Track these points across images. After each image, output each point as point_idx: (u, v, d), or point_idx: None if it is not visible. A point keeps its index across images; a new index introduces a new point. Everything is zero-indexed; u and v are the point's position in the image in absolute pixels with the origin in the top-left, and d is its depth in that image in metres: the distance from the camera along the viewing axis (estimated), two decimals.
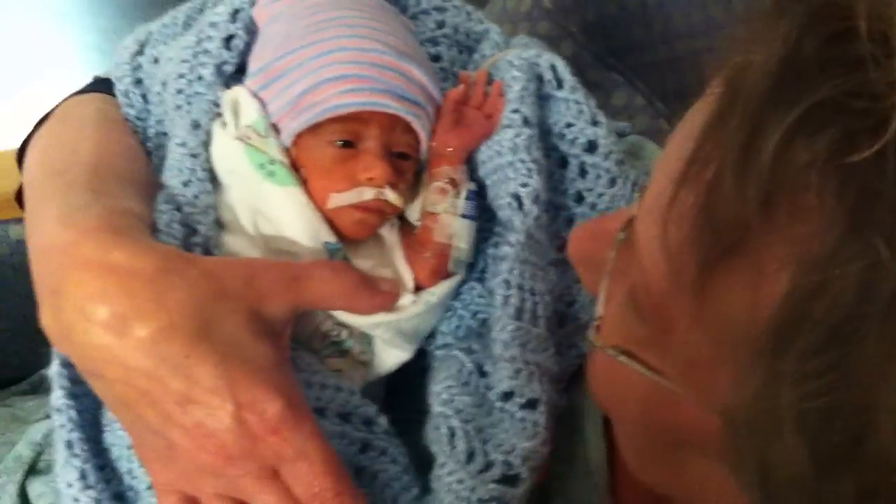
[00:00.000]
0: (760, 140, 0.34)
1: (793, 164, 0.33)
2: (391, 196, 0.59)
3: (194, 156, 0.60)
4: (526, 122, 0.63)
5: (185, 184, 0.60)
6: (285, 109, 0.60)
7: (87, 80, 0.75)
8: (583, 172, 0.65)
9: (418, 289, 0.62)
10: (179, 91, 0.64)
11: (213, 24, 0.65)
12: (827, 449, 0.35)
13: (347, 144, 0.59)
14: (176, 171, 0.60)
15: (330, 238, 0.59)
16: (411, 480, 0.58)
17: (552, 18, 1.05)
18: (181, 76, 0.64)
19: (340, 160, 0.59)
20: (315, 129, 0.59)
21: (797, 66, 0.33)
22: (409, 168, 0.62)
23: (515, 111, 0.63)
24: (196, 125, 0.62)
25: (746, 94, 0.35)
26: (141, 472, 0.57)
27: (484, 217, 0.64)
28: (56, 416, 0.59)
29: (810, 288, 0.33)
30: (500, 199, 0.62)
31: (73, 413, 0.59)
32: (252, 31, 0.65)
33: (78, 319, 0.50)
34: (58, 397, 0.59)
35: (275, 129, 0.61)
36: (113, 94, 0.71)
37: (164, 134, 0.67)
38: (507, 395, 0.58)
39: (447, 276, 0.62)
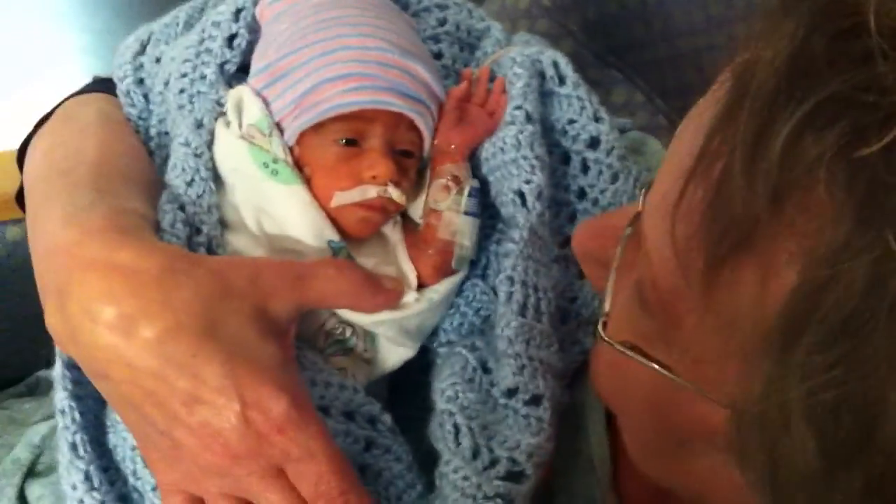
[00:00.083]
0: (769, 135, 0.34)
1: (802, 159, 0.33)
2: (395, 194, 0.59)
3: (198, 155, 0.60)
4: (529, 118, 0.63)
5: (189, 183, 0.59)
6: (289, 108, 0.60)
7: (82, 81, 0.75)
8: (585, 168, 0.65)
9: (421, 286, 0.62)
10: (182, 90, 0.64)
11: (215, 24, 0.65)
12: (836, 442, 0.35)
13: (351, 143, 0.59)
14: (179, 171, 0.60)
15: (334, 236, 0.59)
16: (415, 478, 0.58)
17: (551, 16, 1.06)
18: (184, 75, 0.64)
19: (344, 158, 0.59)
20: (319, 127, 0.59)
21: (806, 61, 0.34)
22: (412, 166, 0.62)
23: (518, 108, 0.63)
24: (199, 124, 0.62)
25: (755, 90, 0.35)
26: (146, 472, 0.57)
27: (485, 214, 0.64)
28: (60, 417, 0.59)
29: (819, 281, 0.33)
30: (504, 196, 0.62)
31: (76, 415, 0.59)
32: (255, 30, 0.65)
33: (84, 320, 0.50)
34: (61, 399, 0.59)
35: (278, 127, 0.61)
36: (114, 94, 0.71)
37: (167, 133, 0.67)
38: (512, 392, 0.58)
39: (450, 273, 0.62)
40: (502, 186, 0.62)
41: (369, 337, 0.61)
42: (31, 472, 0.77)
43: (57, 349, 0.60)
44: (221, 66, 0.64)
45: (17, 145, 0.72)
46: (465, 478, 0.54)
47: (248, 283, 0.52)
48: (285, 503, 0.51)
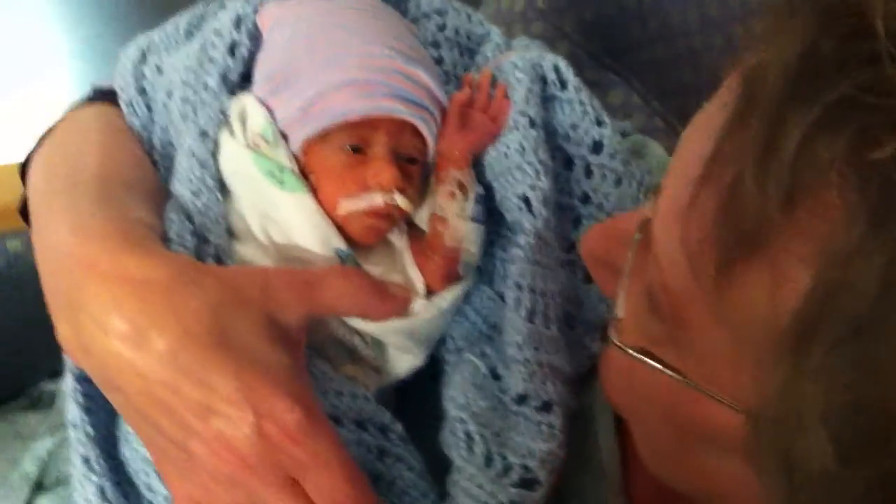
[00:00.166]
0: (781, 138, 0.34)
1: (814, 162, 0.34)
2: (401, 200, 0.59)
3: (203, 165, 0.60)
4: (532, 123, 0.63)
5: (195, 193, 0.60)
6: (294, 116, 0.60)
7: (74, 86, 0.75)
8: (588, 173, 0.66)
9: (429, 293, 0.62)
10: (185, 100, 0.64)
11: (216, 32, 0.65)
12: (851, 443, 0.35)
13: (356, 150, 0.59)
14: (185, 181, 0.60)
15: (340, 244, 0.59)
16: (428, 487, 0.58)
17: (546, 19, 1.06)
18: (186, 85, 0.64)
19: (350, 166, 0.59)
20: (324, 135, 0.59)
21: (815, 64, 0.34)
22: (416, 172, 0.62)
23: (521, 113, 0.63)
24: (204, 134, 0.62)
25: (765, 94, 0.35)
26: (159, 484, 0.57)
27: (489, 220, 0.65)
28: (72, 431, 0.59)
29: (833, 284, 0.34)
30: (509, 202, 0.62)
31: (88, 428, 0.59)
32: (256, 38, 0.65)
33: (95, 332, 0.50)
34: (73, 412, 0.59)
35: (283, 136, 0.61)
36: (115, 104, 0.71)
37: (170, 143, 0.67)
38: (523, 398, 0.58)
39: (457, 279, 0.63)
40: (507, 192, 0.62)
41: (378, 345, 0.61)
42: (38, 486, 0.77)
43: (67, 362, 0.60)
44: (224, 74, 0.64)
45: (13, 156, 0.72)
46: (479, 485, 0.54)
47: (258, 293, 0.53)
48: None
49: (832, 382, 0.34)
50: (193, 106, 0.64)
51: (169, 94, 0.66)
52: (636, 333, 0.46)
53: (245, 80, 0.65)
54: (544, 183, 0.61)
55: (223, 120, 0.63)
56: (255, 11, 0.65)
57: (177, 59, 0.67)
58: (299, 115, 0.60)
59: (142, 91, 0.69)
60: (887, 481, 0.35)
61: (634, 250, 0.46)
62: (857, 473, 0.36)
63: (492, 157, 0.64)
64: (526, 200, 0.61)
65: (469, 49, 0.72)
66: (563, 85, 0.66)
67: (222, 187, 0.61)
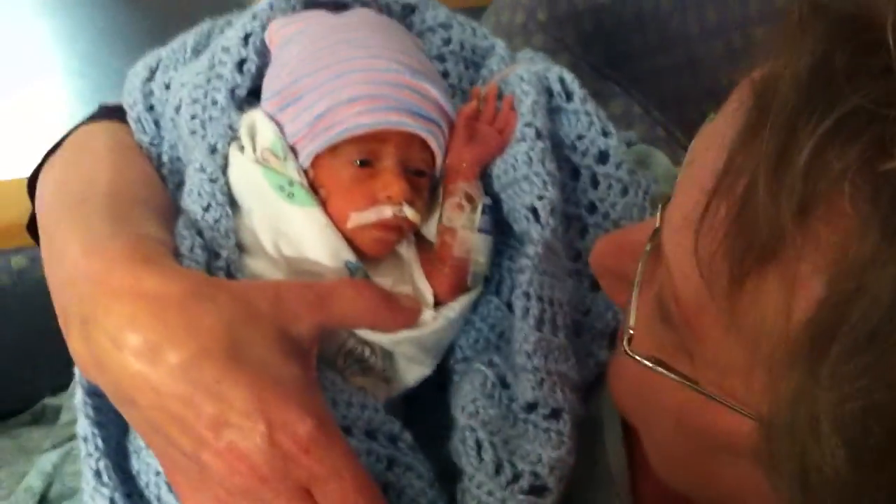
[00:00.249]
0: (793, 149, 0.35)
1: (826, 173, 0.34)
2: (410, 213, 0.59)
3: (213, 180, 0.61)
4: (539, 135, 0.63)
5: (206, 208, 0.60)
6: (303, 131, 0.60)
7: (68, 104, 0.76)
8: (595, 183, 0.66)
9: (437, 304, 0.62)
10: (194, 116, 0.65)
11: (225, 49, 0.65)
12: (865, 449, 0.35)
13: (365, 163, 0.60)
14: (196, 196, 0.61)
15: (350, 257, 0.60)
16: (437, 495, 0.59)
17: (546, 31, 1.07)
18: (195, 101, 0.65)
19: (359, 179, 0.60)
20: (333, 149, 0.60)
21: (827, 76, 0.34)
22: (425, 185, 0.63)
23: (528, 125, 0.64)
24: (213, 150, 0.62)
25: (777, 106, 0.36)
26: (170, 497, 0.57)
27: (496, 230, 0.65)
28: (82, 445, 0.59)
29: (847, 293, 0.34)
30: (517, 213, 0.63)
31: (99, 441, 0.59)
32: (264, 54, 0.65)
33: (110, 347, 0.51)
34: (83, 426, 0.59)
35: (293, 150, 0.61)
36: (123, 122, 0.71)
37: (178, 159, 0.67)
38: (532, 406, 0.58)
39: (465, 290, 0.63)
40: (515, 203, 0.63)
41: (387, 356, 0.61)
42: (43, 500, 0.77)
43: (77, 376, 0.60)
44: (232, 90, 0.65)
45: (10, 172, 0.72)
46: (490, 493, 0.55)
47: (270, 306, 0.53)
48: None
49: (845, 389, 0.35)
50: (202, 122, 0.64)
51: (177, 110, 0.67)
52: (647, 342, 0.46)
53: (252, 96, 0.66)
54: (552, 193, 0.62)
55: (232, 135, 0.63)
56: (263, 28, 0.66)
57: (185, 76, 0.68)
58: (308, 129, 0.60)
59: (150, 108, 0.70)
60: None
61: (645, 261, 0.47)
62: (871, 479, 0.36)
63: (499, 168, 0.64)
64: (534, 211, 0.62)
65: (474, 62, 0.73)
66: (568, 96, 0.67)
67: (232, 202, 0.61)
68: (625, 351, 0.46)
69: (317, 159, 0.61)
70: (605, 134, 0.66)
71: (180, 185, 0.65)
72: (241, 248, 0.60)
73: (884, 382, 0.34)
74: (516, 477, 0.56)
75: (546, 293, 0.60)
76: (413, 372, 0.62)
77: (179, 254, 0.57)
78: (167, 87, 0.69)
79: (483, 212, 0.63)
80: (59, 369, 0.91)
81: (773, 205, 0.35)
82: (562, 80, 0.67)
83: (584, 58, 1.04)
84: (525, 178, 0.62)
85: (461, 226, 0.61)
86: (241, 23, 0.67)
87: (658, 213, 0.47)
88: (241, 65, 0.65)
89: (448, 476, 0.58)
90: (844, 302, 0.34)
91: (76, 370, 0.59)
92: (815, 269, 0.36)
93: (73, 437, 0.82)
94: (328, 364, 0.59)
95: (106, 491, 0.58)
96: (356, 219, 0.59)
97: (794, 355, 0.37)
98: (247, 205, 0.61)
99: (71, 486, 0.78)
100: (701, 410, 0.44)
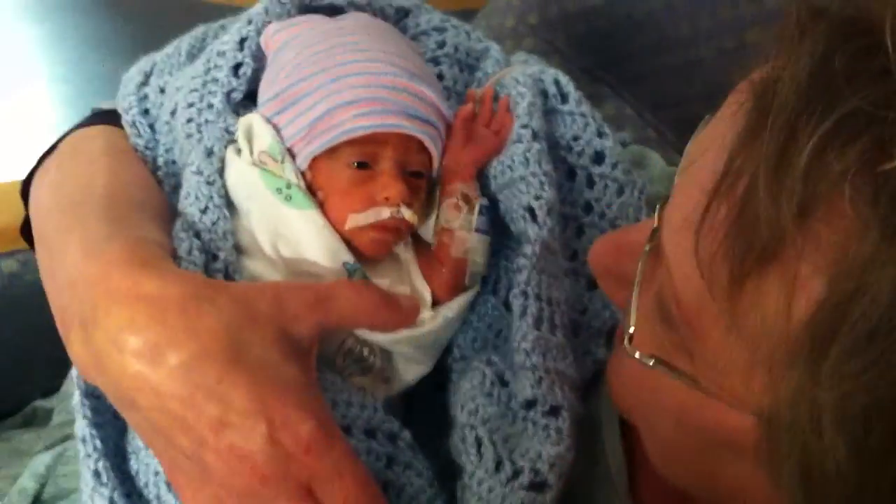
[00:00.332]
0: (793, 150, 0.35)
1: (826, 174, 0.35)
2: (407, 214, 0.60)
3: (210, 183, 0.61)
4: (535, 136, 0.64)
5: (203, 211, 0.60)
6: (301, 134, 0.61)
7: (53, 110, 0.76)
8: (591, 183, 0.67)
9: (435, 304, 0.63)
10: (190, 120, 0.65)
11: (220, 53, 0.66)
12: (866, 446, 0.36)
13: (363, 166, 0.60)
14: (193, 199, 0.61)
15: (349, 258, 0.60)
16: (437, 493, 0.59)
17: (537, 34, 1.07)
18: (191, 105, 0.65)
19: (357, 181, 0.60)
20: (331, 152, 0.60)
21: (827, 78, 0.35)
22: (422, 186, 0.63)
23: (525, 126, 0.64)
24: (210, 153, 0.62)
25: (777, 108, 0.36)
26: (169, 496, 0.57)
27: (493, 231, 0.65)
28: (81, 446, 0.59)
29: (847, 293, 0.35)
30: (514, 213, 0.63)
31: (97, 442, 0.59)
32: (259, 58, 0.66)
33: (110, 350, 0.51)
34: (82, 427, 0.59)
35: (290, 153, 0.62)
36: (117, 126, 0.71)
37: (174, 162, 0.67)
38: (530, 404, 0.58)
39: (463, 290, 0.64)
40: (512, 203, 0.64)
41: (386, 355, 0.62)
42: (36, 502, 0.77)
43: (74, 378, 0.60)
44: (228, 94, 0.65)
45: (2, 178, 0.72)
46: (490, 489, 0.55)
47: (270, 308, 0.53)
48: None
49: (846, 387, 0.35)
50: (199, 125, 0.65)
51: (172, 114, 0.67)
52: (648, 341, 0.47)
53: (247, 100, 0.66)
54: (548, 193, 0.62)
55: (229, 138, 0.63)
56: (259, 32, 0.66)
57: (180, 80, 0.68)
58: (306, 132, 0.61)
59: (145, 112, 0.70)
60: None
61: (644, 261, 0.47)
62: (872, 477, 0.37)
63: (496, 169, 0.65)
64: (531, 211, 0.62)
65: (469, 65, 0.73)
66: (563, 98, 0.67)
67: (229, 204, 0.62)
68: (625, 350, 0.46)
69: (314, 162, 0.61)
70: (601, 135, 0.67)
71: (176, 188, 0.65)
72: (238, 249, 0.61)
73: (885, 380, 0.35)
74: (516, 473, 0.56)
75: (544, 292, 0.61)
76: (412, 371, 0.63)
77: (177, 256, 0.58)
78: (162, 91, 0.69)
79: (480, 212, 0.63)
80: (50, 372, 0.92)
81: (773, 206, 0.36)
82: (557, 83, 0.68)
83: (574, 61, 1.04)
84: (522, 178, 0.63)
85: (459, 226, 0.62)
86: (236, 27, 0.67)
87: (656, 214, 0.48)
88: (236, 69, 0.65)
89: (447, 474, 0.59)
90: (844, 302, 0.35)
91: (74, 372, 0.59)
92: (815, 269, 0.36)
93: (65, 439, 0.82)
94: (327, 364, 0.60)
95: (105, 491, 0.58)
96: (354, 220, 0.60)
97: (795, 355, 0.37)
98: (244, 207, 0.61)
99: (65, 487, 0.78)
100: (701, 408, 0.44)
